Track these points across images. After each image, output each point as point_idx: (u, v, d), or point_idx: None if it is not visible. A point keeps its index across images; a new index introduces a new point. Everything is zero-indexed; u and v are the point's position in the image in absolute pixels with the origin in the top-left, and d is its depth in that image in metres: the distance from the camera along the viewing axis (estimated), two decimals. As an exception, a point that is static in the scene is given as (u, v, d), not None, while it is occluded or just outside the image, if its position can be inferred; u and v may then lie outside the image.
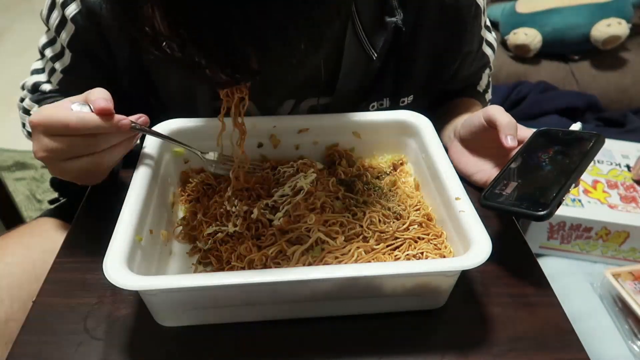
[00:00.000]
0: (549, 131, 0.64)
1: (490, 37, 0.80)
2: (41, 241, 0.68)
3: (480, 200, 0.56)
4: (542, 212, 0.51)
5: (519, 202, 0.54)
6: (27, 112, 0.75)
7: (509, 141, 0.59)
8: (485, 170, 0.65)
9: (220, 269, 0.57)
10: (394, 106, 0.74)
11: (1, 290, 0.62)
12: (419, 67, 0.71)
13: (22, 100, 0.77)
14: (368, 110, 0.72)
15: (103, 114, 0.51)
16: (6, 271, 0.64)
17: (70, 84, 0.71)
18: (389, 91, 0.73)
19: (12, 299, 0.61)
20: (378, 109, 0.73)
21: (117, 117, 0.52)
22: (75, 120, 0.50)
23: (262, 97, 0.70)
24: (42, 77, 0.74)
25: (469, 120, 0.66)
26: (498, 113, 0.61)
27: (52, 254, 0.60)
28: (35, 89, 0.75)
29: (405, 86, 0.73)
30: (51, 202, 0.87)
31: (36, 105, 0.73)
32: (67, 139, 0.51)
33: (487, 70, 0.84)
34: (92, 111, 0.51)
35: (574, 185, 0.55)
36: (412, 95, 0.74)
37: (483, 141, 0.65)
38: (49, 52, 0.71)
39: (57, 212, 0.77)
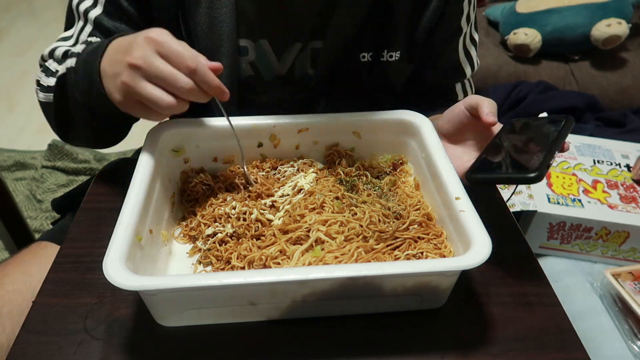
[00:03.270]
0: (520, 118, 0.67)
1: (473, 52, 0.82)
2: (40, 268, 0.69)
3: (467, 175, 0.57)
4: (533, 174, 0.53)
5: (508, 170, 0.56)
6: (50, 74, 0.71)
7: (490, 117, 0.61)
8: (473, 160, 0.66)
9: (221, 269, 0.57)
10: (380, 58, 0.76)
11: (3, 317, 0.63)
12: (404, 15, 0.74)
13: (43, 65, 0.73)
14: (359, 61, 0.74)
15: (217, 71, 0.53)
16: (7, 298, 0.65)
17: (98, 36, 0.72)
18: (378, 39, 0.75)
19: (13, 325, 0.62)
20: (368, 62, 0.75)
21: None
22: (197, 62, 0.51)
23: (275, 36, 0.74)
24: (67, 43, 0.74)
25: (449, 113, 0.68)
26: (478, 97, 0.64)
27: None
28: (51, 54, 0.72)
29: (392, 36, 0.75)
30: (53, 223, 0.87)
31: (60, 66, 0.68)
32: (175, 71, 0.52)
33: (462, 86, 0.86)
34: None
35: (557, 152, 0.57)
36: (399, 52, 0.76)
37: (465, 132, 0.67)
38: (82, 7, 0.72)
39: (56, 236, 0.77)
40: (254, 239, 0.59)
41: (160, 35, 0.52)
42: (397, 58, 0.76)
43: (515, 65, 1.67)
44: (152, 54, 0.52)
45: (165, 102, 0.52)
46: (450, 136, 0.68)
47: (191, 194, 0.67)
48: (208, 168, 0.69)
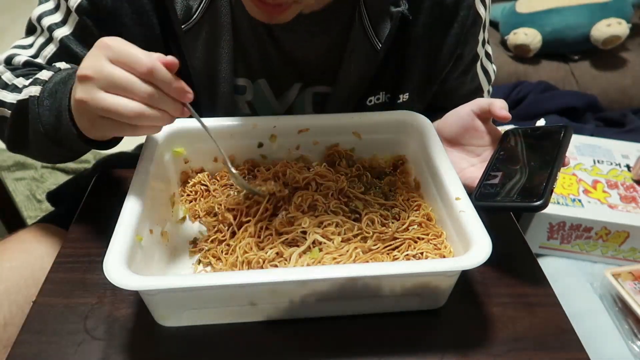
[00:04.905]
0: (518, 129, 0.66)
1: (490, 67, 0.81)
2: (40, 246, 0.68)
3: (472, 202, 0.56)
4: (537, 202, 0.53)
5: (512, 197, 0.56)
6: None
7: (504, 112, 0.61)
8: (476, 165, 0.66)
9: (220, 269, 0.57)
10: (391, 102, 0.74)
11: (0, 295, 0.62)
12: (416, 62, 0.72)
13: None
14: (366, 105, 0.73)
15: (172, 67, 0.47)
16: (4, 276, 0.64)
17: (63, 59, 0.65)
18: (387, 85, 0.73)
19: (10, 303, 0.62)
20: (375, 105, 0.74)
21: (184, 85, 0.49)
22: (153, 62, 0.46)
23: (274, 76, 0.71)
24: (26, 52, 0.67)
25: (452, 116, 0.67)
26: (487, 99, 0.64)
27: (50, 259, 0.60)
28: (8, 61, 0.66)
29: (403, 81, 0.73)
30: (48, 214, 0.87)
31: (17, 79, 0.63)
32: (130, 76, 0.46)
33: None
34: None
35: (558, 174, 0.57)
36: (407, 94, 0.74)
37: (465, 136, 0.66)
38: (47, 21, 0.65)
39: (56, 219, 0.77)
40: (257, 225, 0.58)
41: (113, 40, 0.47)
42: (405, 99, 0.75)
43: (515, 65, 1.67)
44: (102, 61, 0.46)
45: (130, 109, 0.46)
46: (450, 140, 0.67)
47: (190, 194, 0.67)
48: (208, 168, 0.69)
